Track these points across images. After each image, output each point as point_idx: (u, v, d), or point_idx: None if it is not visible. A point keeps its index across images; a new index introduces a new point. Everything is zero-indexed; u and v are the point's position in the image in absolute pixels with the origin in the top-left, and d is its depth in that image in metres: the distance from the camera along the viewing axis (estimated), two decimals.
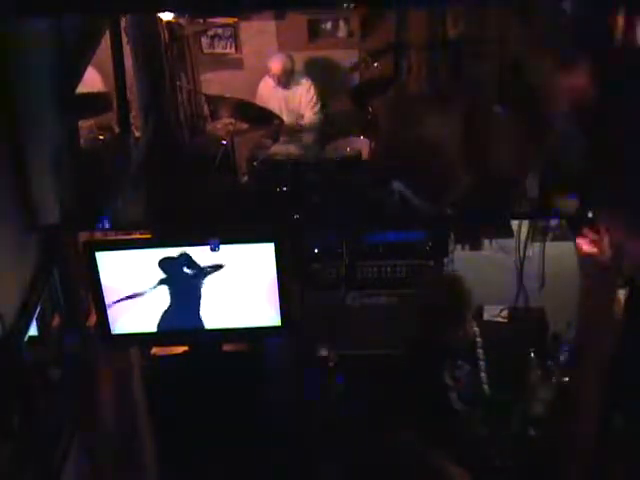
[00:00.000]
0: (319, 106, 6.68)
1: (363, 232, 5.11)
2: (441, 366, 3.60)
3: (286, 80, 6.53)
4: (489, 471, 3.67)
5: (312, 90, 6.64)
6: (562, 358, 4.62)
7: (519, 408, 4.04)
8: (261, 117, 6.13)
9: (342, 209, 5.05)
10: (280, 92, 6.59)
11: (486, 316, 5.22)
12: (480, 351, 3.76)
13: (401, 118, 5.99)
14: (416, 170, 5.06)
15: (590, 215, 3.22)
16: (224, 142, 5.92)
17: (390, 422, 3.79)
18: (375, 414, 4.54)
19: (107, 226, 3.64)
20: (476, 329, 3.72)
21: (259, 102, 6.51)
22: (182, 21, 6.44)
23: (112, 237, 3.97)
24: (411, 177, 5.02)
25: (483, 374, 3.80)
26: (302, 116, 6.64)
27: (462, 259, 5.28)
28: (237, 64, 7.17)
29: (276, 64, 6.45)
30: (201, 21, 6.86)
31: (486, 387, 3.69)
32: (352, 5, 2.66)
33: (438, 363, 3.60)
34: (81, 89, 3.89)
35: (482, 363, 3.85)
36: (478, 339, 3.73)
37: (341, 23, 7.07)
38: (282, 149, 6.13)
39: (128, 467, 4.32)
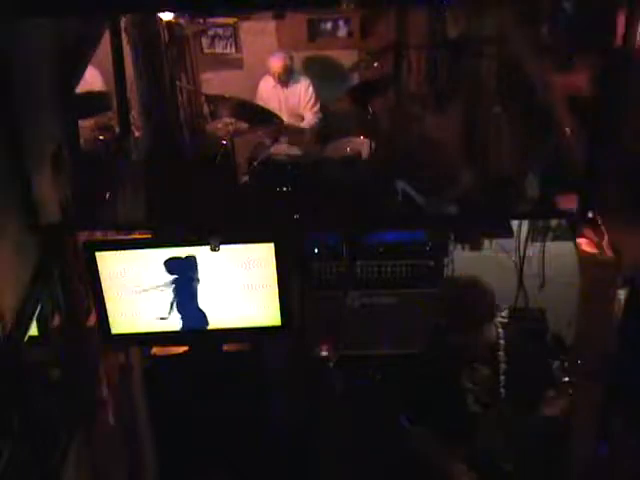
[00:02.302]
0: (318, 106, 6.68)
1: (363, 232, 5.11)
2: (459, 368, 3.57)
3: (286, 78, 6.53)
4: (501, 474, 3.66)
5: (310, 89, 6.64)
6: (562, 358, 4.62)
7: (536, 412, 4.01)
8: (261, 117, 6.13)
9: (342, 209, 5.05)
10: (280, 91, 6.59)
11: None
12: (501, 354, 3.73)
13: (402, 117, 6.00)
14: (418, 168, 5.05)
15: (590, 215, 3.22)
16: (224, 142, 5.92)
17: (393, 423, 3.79)
18: (380, 414, 4.55)
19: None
20: (501, 331, 3.68)
21: (259, 102, 6.51)
22: (182, 21, 6.44)
23: (112, 237, 3.96)
24: (414, 175, 5.02)
25: (502, 377, 3.77)
26: (301, 116, 6.64)
27: (462, 259, 5.28)
28: (237, 64, 7.17)
29: (276, 62, 6.45)
30: (201, 21, 6.87)
31: (503, 391, 3.66)
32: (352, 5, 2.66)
33: (456, 365, 3.58)
34: (81, 88, 3.89)
35: (503, 366, 3.81)
36: (501, 341, 3.69)
37: (341, 23, 7.06)
38: (282, 149, 6.13)
39: (128, 467, 4.32)
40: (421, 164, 5.37)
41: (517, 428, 3.66)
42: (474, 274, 3.59)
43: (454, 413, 3.58)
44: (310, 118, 6.63)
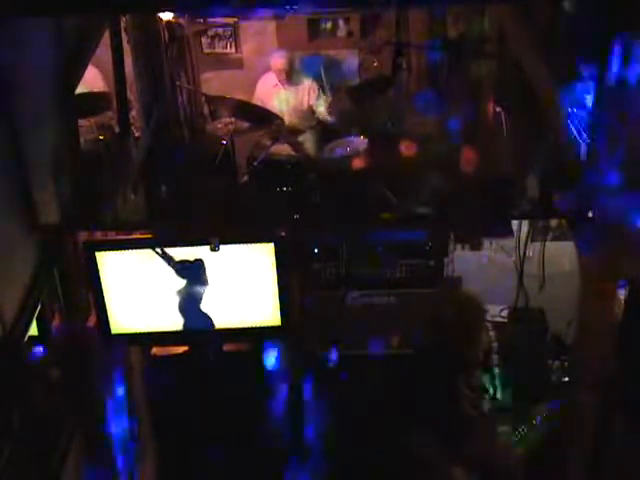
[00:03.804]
0: (328, 101, 6.63)
1: (363, 232, 5.11)
2: (455, 373, 3.57)
3: (289, 76, 6.52)
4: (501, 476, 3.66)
5: (315, 86, 6.63)
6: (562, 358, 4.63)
7: (533, 414, 4.00)
8: (261, 117, 6.13)
9: (342, 209, 5.05)
10: (282, 91, 6.59)
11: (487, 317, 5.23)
12: (495, 357, 3.72)
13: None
14: (394, 168, 5.06)
15: (590, 215, 3.22)
16: (224, 142, 5.92)
17: (391, 423, 3.79)
18: (377, 415, 4.54)
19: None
20: (492, 333, 3.67)
21: (257, 101, 6.50)
22: (182, 21, 6.44)
23: (112, 237, 3.97)
24: (389, 176, 5.03)
25: (497, 381, 3.77)
26: (311, 112, 6.60)
27: (462, 259, 5.28)
28: (237, 64, 7.17)
29: (279, 60, 6.43)
30: (201, 21, 6.87)
31: (500, 395, 3.66)
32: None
33: (452, 370, 3.57)
34: (82, 88, 3.89)
35: (497, 370, 3.80)
36: (494, 344, 3.68)
37: (341, 23, 7.07)
38: (282, 149, 6.13)
39: (128, 467, 4.32)
40: (398, 163, 5.38)
41: (516, 431, 3.67)
42: (464, 291, 3.58)
43: (452, 416, 3.58)
44: (323, 113, 6.59)
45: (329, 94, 6.64)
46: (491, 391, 4.06)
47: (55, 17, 3.28)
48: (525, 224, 5.08)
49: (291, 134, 6.36)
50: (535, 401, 4.16)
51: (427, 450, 3.63)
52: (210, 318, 3.96)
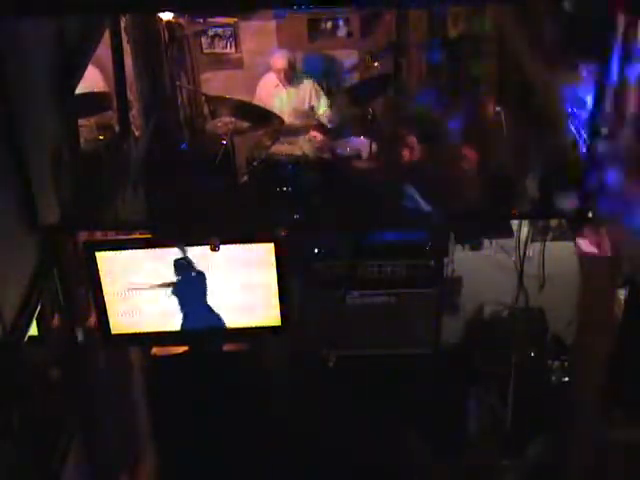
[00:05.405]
0: (329, 101, 6.63)
1: (363, 232, 5.11)
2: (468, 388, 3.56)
3: (289, 77, 6.51)
4: None
5: (317, 86, 6.63)
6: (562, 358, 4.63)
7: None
8: (261, 117, 6.13)
9: (342, 209, 5.05)
10: (282, 90, 6.58)
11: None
12: (511, 383, 3.71)
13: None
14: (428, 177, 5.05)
15: (590, 215, 3.22)
16: (224, 142, 5.92)
17: (391, 424, 3.79)
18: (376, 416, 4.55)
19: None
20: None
21: (257, 101, 6.50)
22: (182, 21, 6.44)
23: (112, 237, 3.96)
24: (423, 183, 5.02)
25: (508, 409, 3.76)
26: (313, 112, 6.60)
27: (462, 259, 5.28)
28: (237, 64, 7.18)
29: (280, 59, 6.43)
30: (201, 21, 6.87)
31: (507, 424, 3.66)
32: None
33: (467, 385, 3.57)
34: (82, 88, 3.89)
35: (510, 398, 3.79)
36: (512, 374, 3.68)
37: (341, 23, 7.07)
38: (282, 149, 6.13)
39: (128, 467, 4.32)
40: (425, 170, 5.37)
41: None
42: None
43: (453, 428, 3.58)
44: (326, 111, 6.60)
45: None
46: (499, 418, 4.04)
47: (55, 17, 3.28)
48: (525, 224, 5.08)
49: (291, 134, 6.36)
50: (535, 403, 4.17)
51: (425, 453, 3.63)
52: (210, 318, 3.96)
